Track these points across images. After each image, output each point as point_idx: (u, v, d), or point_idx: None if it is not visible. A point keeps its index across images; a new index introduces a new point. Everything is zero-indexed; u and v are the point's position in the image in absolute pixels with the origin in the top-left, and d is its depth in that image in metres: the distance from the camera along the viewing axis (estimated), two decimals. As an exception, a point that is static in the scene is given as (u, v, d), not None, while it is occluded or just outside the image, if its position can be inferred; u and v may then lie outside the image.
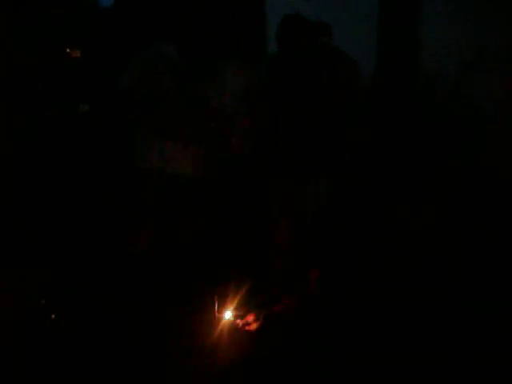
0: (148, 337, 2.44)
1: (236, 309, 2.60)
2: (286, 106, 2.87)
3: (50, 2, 3.41)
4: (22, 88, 3.13)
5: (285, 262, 2.91)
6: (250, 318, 2.61)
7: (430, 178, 3.65)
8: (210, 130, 2.72)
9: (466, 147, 3.89)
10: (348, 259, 2.97)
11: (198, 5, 2.75)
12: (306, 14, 2.93)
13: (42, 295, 2.62)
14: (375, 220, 3.29)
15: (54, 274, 2.72)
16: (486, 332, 2.45)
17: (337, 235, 2.98)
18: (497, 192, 3.56)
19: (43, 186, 3.10)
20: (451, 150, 3.87)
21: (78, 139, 3.32)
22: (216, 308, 2.55)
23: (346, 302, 2.70)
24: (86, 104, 3.52)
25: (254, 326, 2.58)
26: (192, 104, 2.68)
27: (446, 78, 4.16)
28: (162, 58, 2.70)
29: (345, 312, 2.64)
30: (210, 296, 2.56)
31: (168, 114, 2.67)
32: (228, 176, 2.79)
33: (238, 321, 2.58)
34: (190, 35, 2.71)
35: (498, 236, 3.15)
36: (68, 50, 3.54)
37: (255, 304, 2.66)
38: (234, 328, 2.54)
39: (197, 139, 2.72)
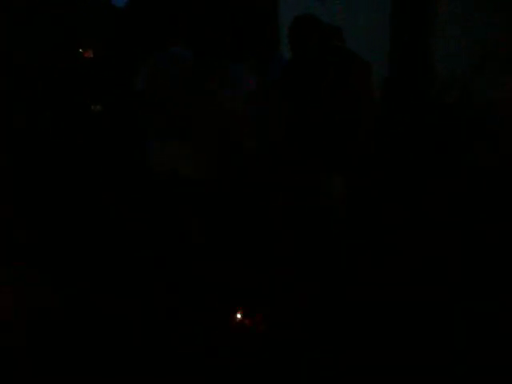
0: (153, 338, 2.44)
1: (243, 308, 2.60)
2: (297, 106, 2.87)
3: (50, 2, 3.41)
4: (22, 88, 3.13)
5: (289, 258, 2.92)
6: (258, 317, 2.60)
7: (432, 178, 3.66)
8: (222, 132, 2.72)
9: (468, 147, 3.90)
10: (348, 259, 2.97)
11: (210, 7, 2.76)
12: (318, 16, 2.95)
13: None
14: (377, 219, 3.29)
15: (54, 274, 2.73)
16: (486, 332, 2.45)
17: (338, 234, 2.99)
18: (497, 192, 3.57)
19: (45, 185, 3.10)
20: (455, 149, 3.88)
21: (87, 139, 3.32)
22: (224, 308, 2.54)
23: (346, 302, 2.70)
24: (99, 104, 3.53)
25: (261, 326, 2.57)
26: (204, 105, 2.69)
27: (454, 79, 4.16)
28: (174, 60, 2.71)
29: (345, 312, 2.63)
30: (218, 296, 2.56)
31: (180, 116, 2.68)
32: (238, 176, 2.78)
33: (247, 320, 2.58)
34: (201, 37, 2.72)
35: (498, 236, 3.15)
36: (80, 50, 3.56)
37: (263, 303, 2.66)
38: (241, 328, 2.55)
39: (209, 141, 2.72)
